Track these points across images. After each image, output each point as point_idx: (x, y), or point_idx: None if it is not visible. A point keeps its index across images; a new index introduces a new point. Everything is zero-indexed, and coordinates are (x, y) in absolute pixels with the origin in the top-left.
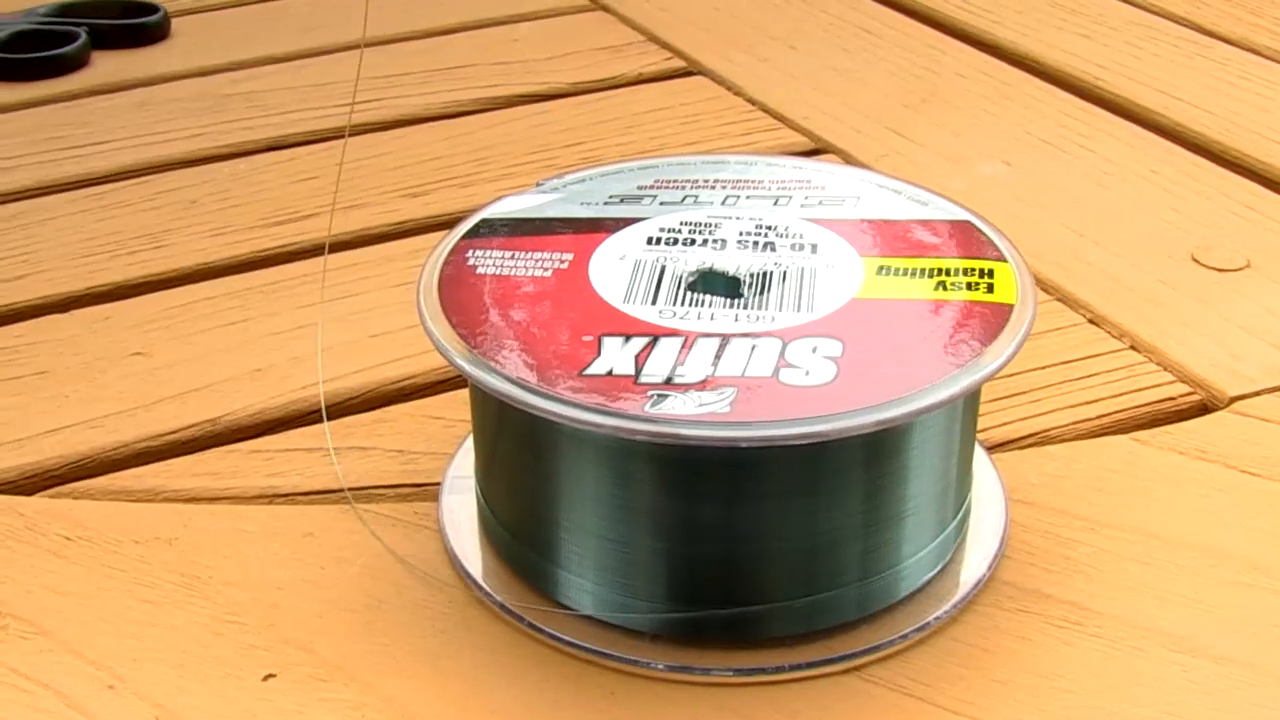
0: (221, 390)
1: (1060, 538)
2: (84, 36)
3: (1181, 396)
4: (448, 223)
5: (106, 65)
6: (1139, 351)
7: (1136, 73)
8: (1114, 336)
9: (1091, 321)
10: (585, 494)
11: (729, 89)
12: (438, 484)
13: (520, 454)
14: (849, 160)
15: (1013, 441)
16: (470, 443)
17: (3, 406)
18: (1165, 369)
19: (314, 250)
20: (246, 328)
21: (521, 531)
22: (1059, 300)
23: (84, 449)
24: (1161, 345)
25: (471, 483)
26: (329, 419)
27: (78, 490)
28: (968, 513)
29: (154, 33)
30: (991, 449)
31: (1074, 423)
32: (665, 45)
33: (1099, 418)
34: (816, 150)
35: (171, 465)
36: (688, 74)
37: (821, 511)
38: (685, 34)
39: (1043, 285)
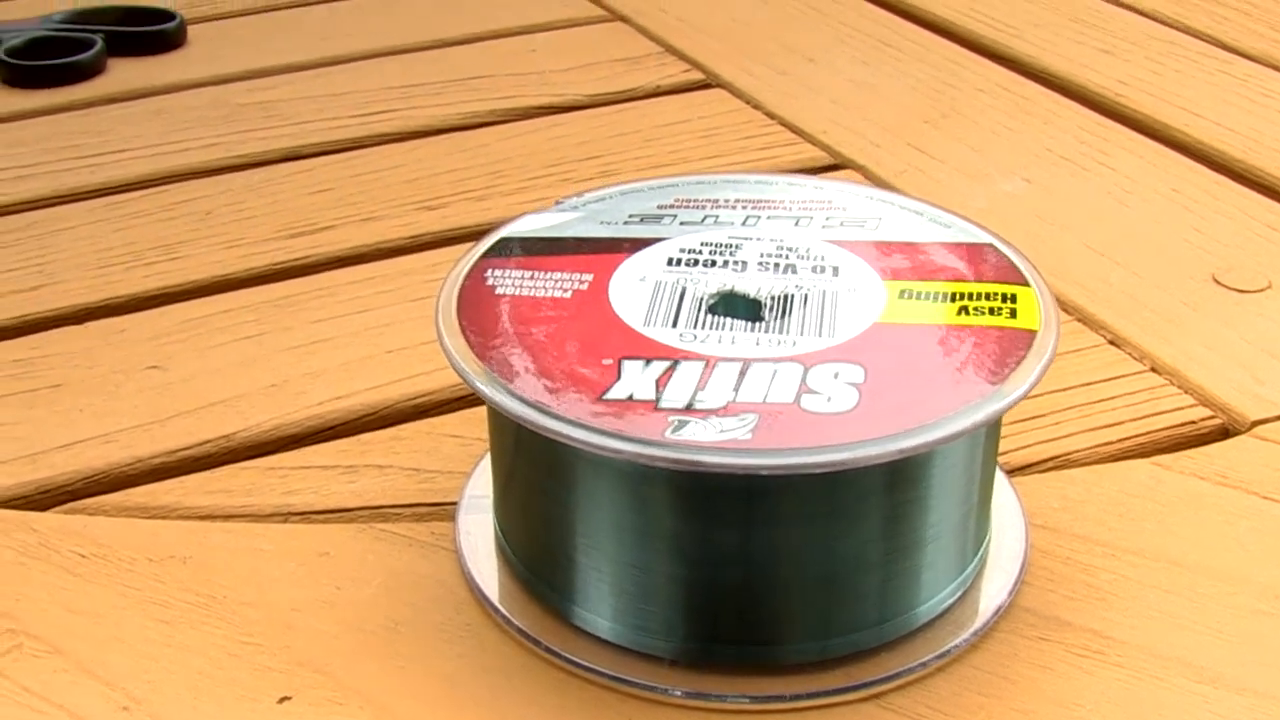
0: (237, 405)
1: (1081, 564)
2: (100, 43)
3: (1202, 420)
4: (464, 236)
5: (122, 72)
6: (1159, 374)
7: (1157, 89)
8: (1134, 358)
9: (1112, 343)
10: (602, 518)
11: (747, 102)
12: (454, 503)
13: (537, 476)
14: (868, 176)
15: (1033, 465)
16: (487, 461)
17: (17, 420)
18: (1186, 391)
19: (329, 263)
20: (262, 342)
21: (538, 554)
22: (1079, 321)
23: (98, 464)
24: (1182, 367)
25: (488, 502)
26: (342, 437)
27: (91, 506)
28: (988, 538)
29: (170, 40)
30: (1011, 472)
31: (1094, 446)
32: (683, 57)
33: (1119, 441)
34: (835, 165)
35: (186, 482)
36: (706, 86)
37: (841, 538)
38: (704, 46)
39: (1064, 305)
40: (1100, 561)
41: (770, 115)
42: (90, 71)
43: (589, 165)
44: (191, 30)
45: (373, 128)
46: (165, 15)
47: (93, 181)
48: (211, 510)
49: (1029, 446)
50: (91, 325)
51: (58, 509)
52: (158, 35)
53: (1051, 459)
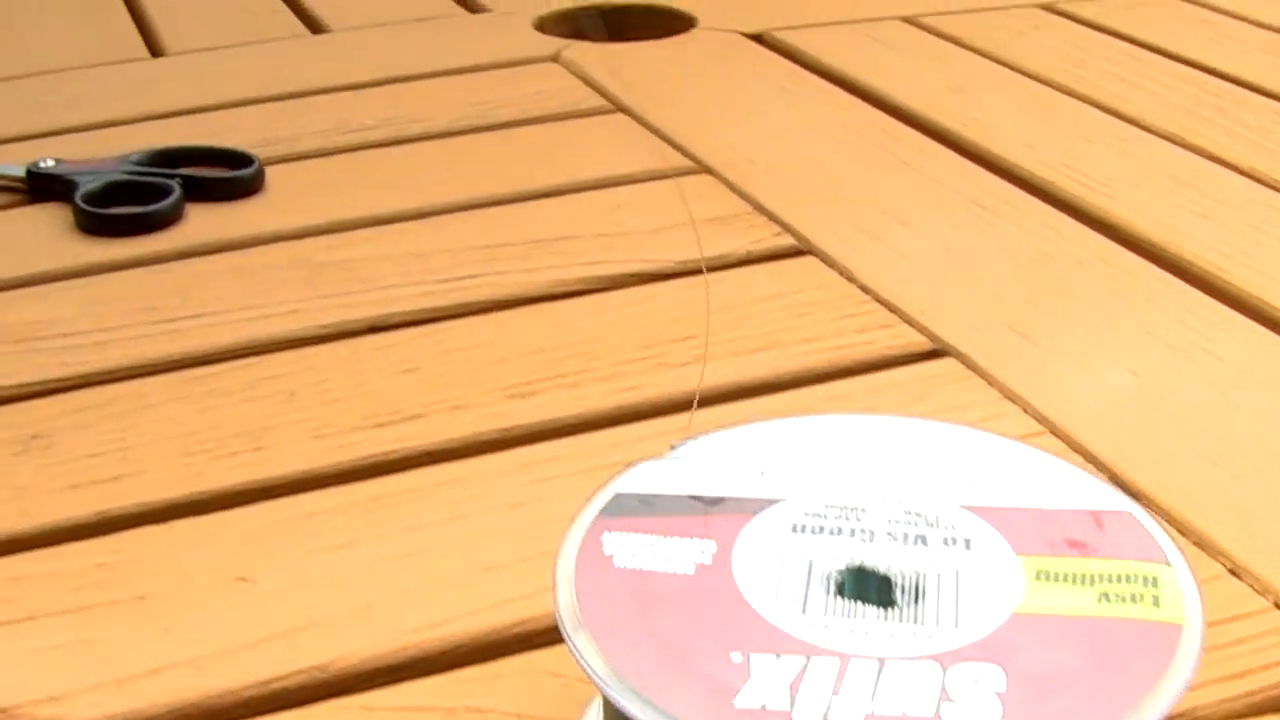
0: (329, 629)
1: None
2: (178, 190)
3: None
4: (558, 430)
5: (201, 220)
6: None
7: (1260, 261)
8: (1257, 592)
9: (1232, 572)
10: None
11: (840, 273)
12: None
13: None
14: (970, 366)
15: None
16: (593, 712)
17: (103, 637)
18: None
19: (419, 458)
20: (353, 552)
21: None
22: (1196, 544)
23: (188, 695)
24: None
25: None
26: (438, 671)
27: None
28: None
29: (248, 185)
30: None
31: (1222, 700)
32: (773, 218)
33: (1247, 695)
34: (935, 352)
35: None
36: (798, 253)
37: None
38: (793, 205)
39: (1178, 526)
40: None
41: (864, 289)
42: (168, 220)
43: (683, 348)
44: (269, 173)
45: (457, 296)
46: (243, 159)
47: (173, 351)
48: None
49: None
50: (176, 525)
51: None
52: (235, 181)
53: (1178, 716)
